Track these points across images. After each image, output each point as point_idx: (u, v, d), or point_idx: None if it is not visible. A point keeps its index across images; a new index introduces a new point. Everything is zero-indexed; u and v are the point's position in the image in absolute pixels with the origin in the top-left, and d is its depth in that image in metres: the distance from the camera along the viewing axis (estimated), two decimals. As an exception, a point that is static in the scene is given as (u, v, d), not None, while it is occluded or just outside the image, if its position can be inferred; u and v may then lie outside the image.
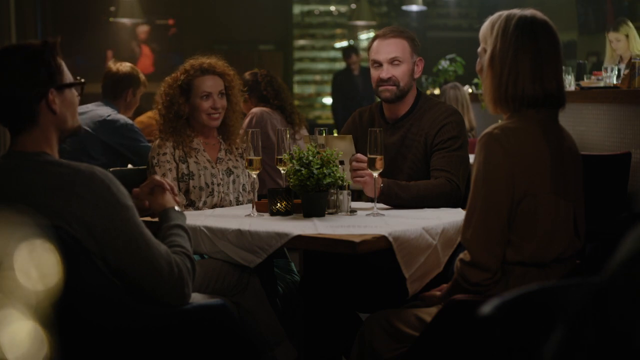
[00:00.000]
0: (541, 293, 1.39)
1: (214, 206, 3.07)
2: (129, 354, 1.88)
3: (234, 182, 3.16)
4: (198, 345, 1.96)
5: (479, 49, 2.15)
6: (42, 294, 1.23)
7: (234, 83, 3.18)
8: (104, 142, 4.08)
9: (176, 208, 2.16)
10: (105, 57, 9.22)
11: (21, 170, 1.86)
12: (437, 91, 6.93)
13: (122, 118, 4.18)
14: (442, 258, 2.45)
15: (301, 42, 11.13)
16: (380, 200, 2.77)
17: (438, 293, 2.24)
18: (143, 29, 10.03)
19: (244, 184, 3.20)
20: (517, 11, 2.07)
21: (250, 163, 2.73)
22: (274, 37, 10.93)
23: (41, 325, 1.08)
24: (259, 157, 2.73)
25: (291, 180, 2.56)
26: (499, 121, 2.09)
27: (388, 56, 3.00)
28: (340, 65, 10.81)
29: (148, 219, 2.18)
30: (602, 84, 4.60)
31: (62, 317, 1.54)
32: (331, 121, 9.86)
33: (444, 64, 7.04)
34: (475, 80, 6.44)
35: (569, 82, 4.97)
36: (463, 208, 2.70)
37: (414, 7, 9.16)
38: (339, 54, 10.85)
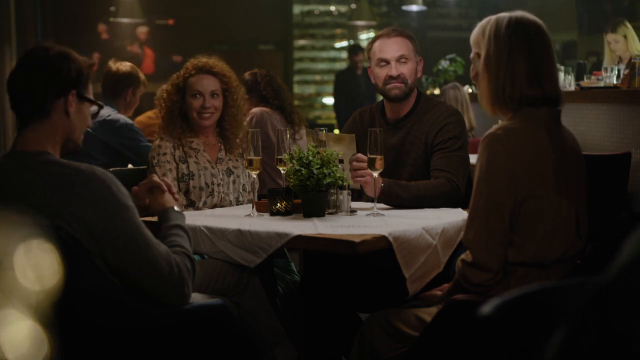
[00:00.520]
0: (541, 293, 1.39)
1: (214, 206, 3.07)
2: (129, 354, 1.88)
3: (234, 182, 3.16)
4: (198, 345, 1.96)
5: (472, 55, 2.15)
6: (42, 293, 1.23)
7: (231, 85, 3.16)
8: (104, 142, 4.07)
9: (176, 208, 2.16)
10: (102, 59, 9.18)
11: (21, 170, 1.86)
12: (437, 91, 6.93)
13: (122, 118, 4.18)
14: (442, 258, 2.45)
15: (301, 42, 11.13)
16: (380, 200, 2.77)
17: (439, 293, 2.24)
18: (143, 29, 10.03)
19: (244, 184, 3.20)
20: (505, 14, 2.08)
21: (250, 163, 2.73)
22: (274, 37, 10.94)
23: (41, 325, 1.08)
24: (259, 157, 2.73)
25: (291, 180, 2.56)
26: (499, 121, 2.09)
27: (396, 54, 3.01)
28: (341, 65, 10.81)
29: (148, 218, 2.18)
30: (602, 84, 4.60)
31: (62, 317, 1.54)
32: (331, 121, 9.87)
33: (444, 64, 7.04)
34: (475, 80, 6.43)
35: (569, 82, 4.97)
36: (463, 208, 2.70)
37: (414, 7, 9.17)
38: (339, 54, 10.87)
